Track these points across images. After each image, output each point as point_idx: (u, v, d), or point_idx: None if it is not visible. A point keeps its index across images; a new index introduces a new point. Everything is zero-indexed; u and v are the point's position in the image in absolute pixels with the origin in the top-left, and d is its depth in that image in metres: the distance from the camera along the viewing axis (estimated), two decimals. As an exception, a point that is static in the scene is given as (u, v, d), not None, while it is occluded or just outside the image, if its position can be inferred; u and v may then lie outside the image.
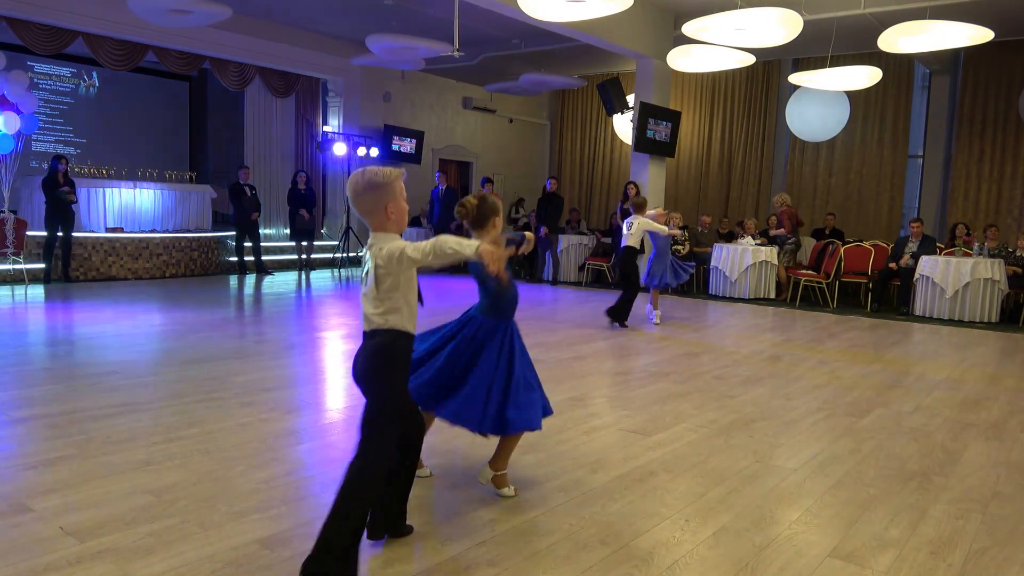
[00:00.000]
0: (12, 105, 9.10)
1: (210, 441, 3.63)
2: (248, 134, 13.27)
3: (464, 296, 9.88)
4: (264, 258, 12.21)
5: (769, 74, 13.56)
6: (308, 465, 3.41)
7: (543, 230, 11.91)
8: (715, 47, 8.99)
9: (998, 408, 4.89)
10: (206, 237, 11.69)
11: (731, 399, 4.86)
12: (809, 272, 10.71)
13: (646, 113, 11.42)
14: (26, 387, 4.54)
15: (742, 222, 11.86)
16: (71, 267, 10.01)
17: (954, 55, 11.83)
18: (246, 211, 11.74)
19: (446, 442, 3.67)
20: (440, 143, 15.44)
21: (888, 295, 10.33)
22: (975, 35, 7.80)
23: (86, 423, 3.85)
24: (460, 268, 13.78)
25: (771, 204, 12.67)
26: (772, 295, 10.83)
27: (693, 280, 11.61)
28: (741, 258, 10.74)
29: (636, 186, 11.40)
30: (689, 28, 8.03)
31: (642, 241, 7.79)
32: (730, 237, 11.69)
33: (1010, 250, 9.70)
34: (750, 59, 9.53)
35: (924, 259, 9.45)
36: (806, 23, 7.99)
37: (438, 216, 13.03)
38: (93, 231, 10.66)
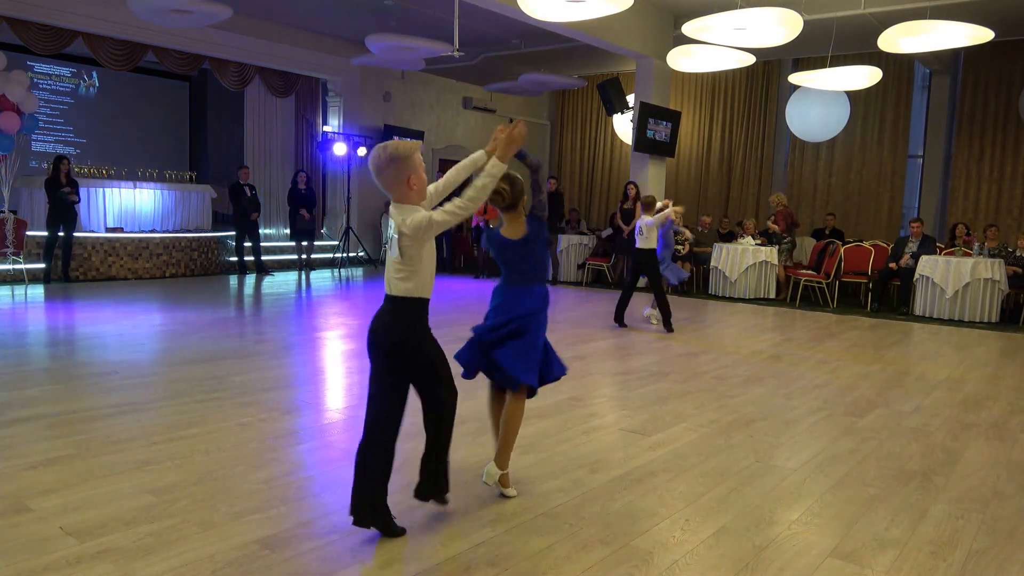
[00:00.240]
0: (12, 105, 9.10)
1: (210, 441, 3.63)
2: (248, 134, 13.26)
3: (464, 296, 9.88)
4: (264, 258, 12.20)
5: (769, 74, 13.56)
6: (308, 465, 3.41)
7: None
8: (715, 47, 8.99)
9: (998, 408, 4.89)
10: (206, 237, 11.69)
11: (731, 399, 4.86)
12: (809, 272, 10.71)
13: (646, 113, 11.43)
14: (26, 387, 4.53)
15: (742, 222, 11.86)
16: (71, 267, 10.00)
17: (954, 55, 11.84)
18: (246, 211, 11.73)
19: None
20: (440, 143, 15.44)
21: (888, 295, 10.33)
22: (975, 35, 7.80)
23: (86, 423, 3.85)
24: (460, 268, 13.83)
25: (768, 204, 12.67)
26: (772, 295, 10.83)
27: (693, 280, 11.62)
28: (741, 258, 10.74)
29: (636, 186, 11.41)
30: (689, 28, 8.04)
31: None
32: (730, 237, 11.69)
33: (1010, 250, 9.70)
34: (750, 59, 9.53)
35: (924, 259, 9.45)
36: (806, 23, 7.99)
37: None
38: (93, 231, 10.65)
